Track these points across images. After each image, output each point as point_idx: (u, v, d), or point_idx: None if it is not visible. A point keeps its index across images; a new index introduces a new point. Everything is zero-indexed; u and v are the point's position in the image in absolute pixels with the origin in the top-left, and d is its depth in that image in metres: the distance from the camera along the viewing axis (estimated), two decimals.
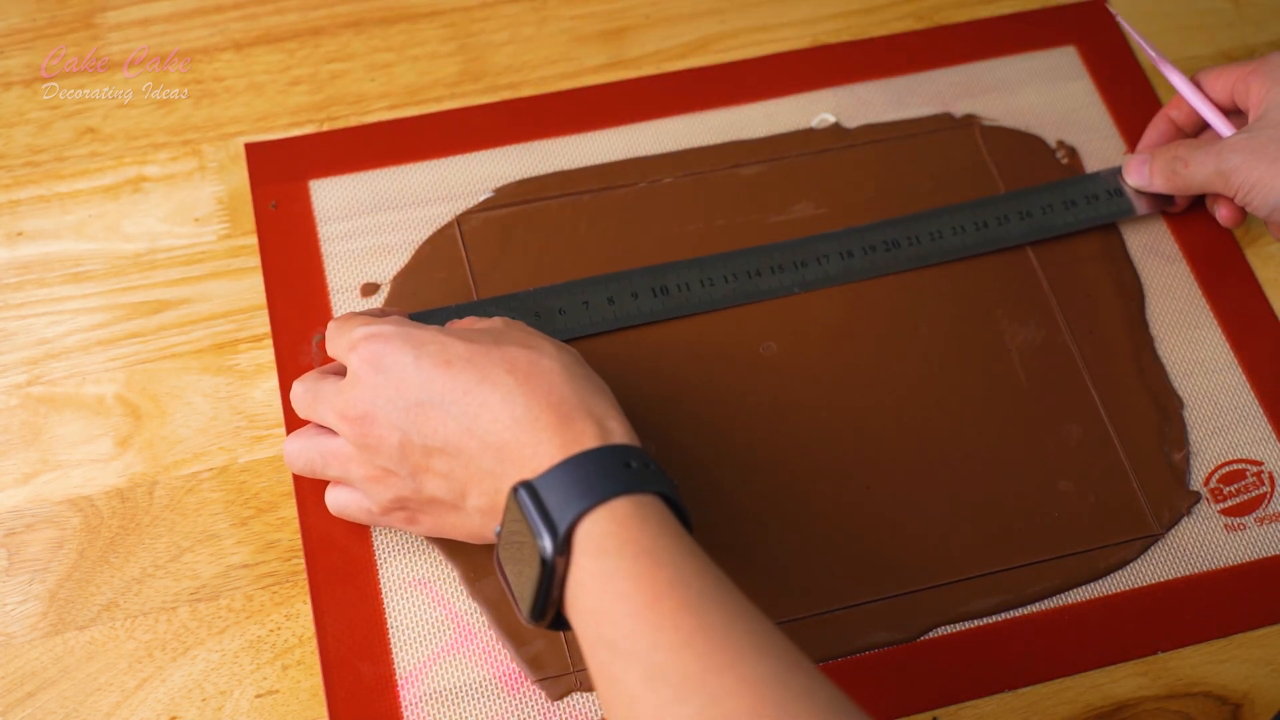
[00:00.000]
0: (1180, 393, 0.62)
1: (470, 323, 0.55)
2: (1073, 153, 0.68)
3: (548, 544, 0.45)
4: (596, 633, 0.45)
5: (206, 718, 0.53)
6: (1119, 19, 0.67)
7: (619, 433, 0.48)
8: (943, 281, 0.64)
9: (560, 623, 0.47)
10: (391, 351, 0.50)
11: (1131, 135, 0.68)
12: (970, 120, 0.68)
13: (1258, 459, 0.60)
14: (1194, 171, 0.61)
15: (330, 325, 0.54)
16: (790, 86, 0.69)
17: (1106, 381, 0.62)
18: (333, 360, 0.56)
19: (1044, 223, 0.64)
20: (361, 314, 0.55)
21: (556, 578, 0.46)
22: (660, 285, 0.61)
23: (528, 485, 0.47)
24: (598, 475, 0.46)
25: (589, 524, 0.45)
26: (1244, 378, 0.62)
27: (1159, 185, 0.63)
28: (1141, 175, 0.64)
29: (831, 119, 0.68)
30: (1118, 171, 0.66)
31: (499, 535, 0.49)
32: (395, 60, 0.69)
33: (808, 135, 0.67)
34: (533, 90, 0.68)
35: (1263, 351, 0.63)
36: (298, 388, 0.54)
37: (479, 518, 0.50)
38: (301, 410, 0.54)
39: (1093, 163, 0.67)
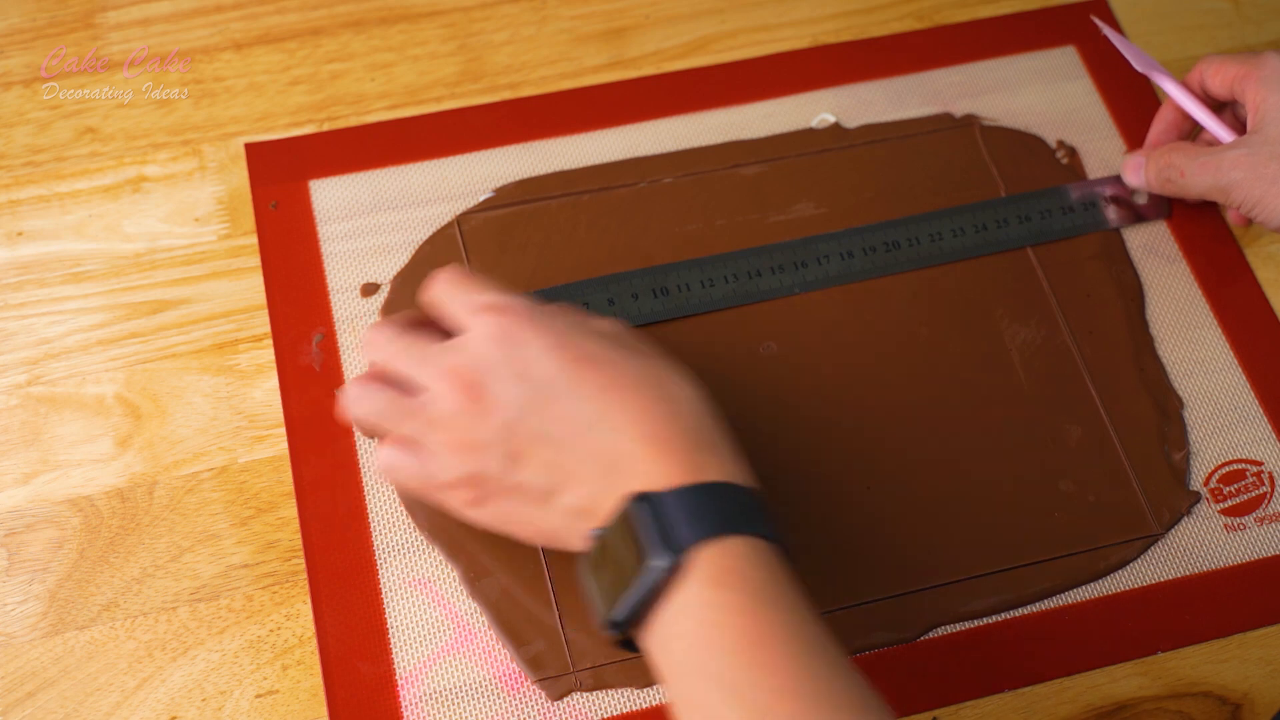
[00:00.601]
0: (1180, 393, 0.62)
1: (578, 314, 0.53)
2: (1073, 153, 0.68)
3: (662, 562, 0.44)
4: (697, 662, 0.44)
5: (206, 718, 0.53)
6: (1105, 29, 0.67)
7: (745, 476, 0.48)
8: (943, 281, 0.64)
9: (629, 642, 0.47)
10: (525, 330, 0.49)
11: (1131, 135, 0.68)
12: (970, 120, 0.68)
13: (1258, 459, 0.60)
14: (1190, 183, 0.61)
15: (443, 277, 0.52)
16: (790, 86, 0.69)
17: (1106, 381, 0.62)
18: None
19: (1042, 227, 0.64)
20: (473, 276, 0.52)
21: (661, 594, 0.45)
22: (660, 286, 0.61)
23: (648, 497, 0.46)
24: (722, 508, 0.46)
25: (709, 553, 0.45)
26: (1244, 378, 0.62)
27: (1155, 188, 0.64)
28: (1138, 177, 0.64)
29: (831, 119, 0.68)
30: (1119, 178, 0.66)
31: (594, 538, 0.47)
32: (395, 60, 0.69)
33: (808, 135, 0.67)
34: (533, 90, 0.68)
35: (1263, 351, 0.63)
36: (385, 332, 0.51)
37: (563, 517, 0.49)
38: (385, 353, 0.51)
39: (1092, 162, 0.67)
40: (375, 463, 0.52)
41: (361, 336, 0.52)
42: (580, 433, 0.48)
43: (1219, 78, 0.63)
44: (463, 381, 0.49)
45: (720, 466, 0.47)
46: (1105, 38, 0.71)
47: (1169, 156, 0.62)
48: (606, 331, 0.51)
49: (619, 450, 0.47)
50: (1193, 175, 0.61)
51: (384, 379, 0.50)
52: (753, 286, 0.62)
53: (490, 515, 0.50)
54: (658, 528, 0.45)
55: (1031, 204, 0.65)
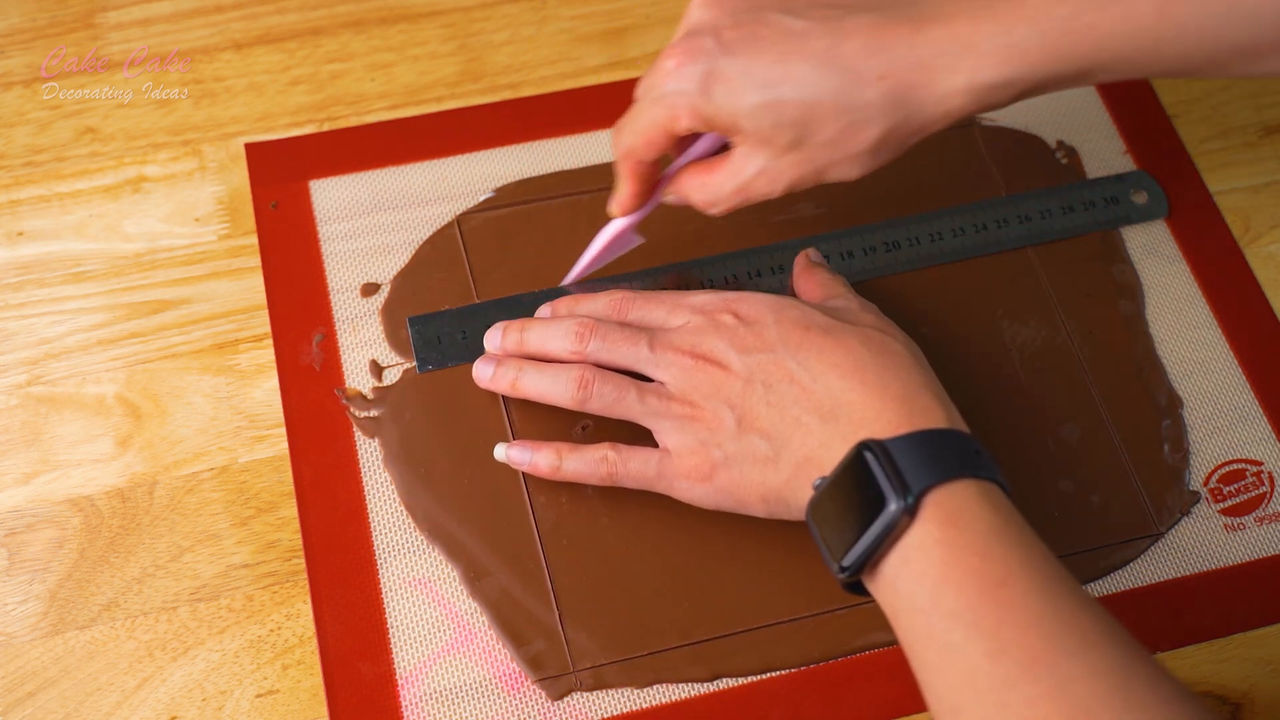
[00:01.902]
0: (1180, 393, 0.62)
1: (820, 282, 0.58)
2: (1072, 153, 0.68)
3: (896, 503, 0.46)
4: (934, 600, 0.46)
5: (207, 718, 0.53)
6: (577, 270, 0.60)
7: (962, 423, 0.51)
8: (943, 281, 0.64)
9: (858, 586, 0.49)
10: (755, 309, 0.54)
11: (1131, 135, 0.68)
12: (970, 120, 0.68)
13: (1257, 459, 0.60)
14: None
15: (639, 296, 0.57)
16: None
17: (1106, 381, 0.62)
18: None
19: (1042, 227, 0.64)
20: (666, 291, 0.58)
21: (893, 535, 0.47)
22: (660, 287, 0.61)
23: (878, 444, 0.48)
24: (950, 453, 0.48)
25: (941, 495, 0.47)
26: (1244, 378, 0.62)
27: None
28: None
29: None
30: (1118, 177, 0.66)
31: (819, 487, 0.50)
32: (395, 60, 0.69)
33: None
34: (533, 90, 0.68)
35: (1263, 351, 0.63)
36: (599, 324, 0.55)
37: (788, 470, 0.51)
38: (600, 341, 0.55)
39: (1092, 163, 0.67)
40: (595, 470, 0.54)
41: (564, 328, 0.55)
42: (805, 387, 0.51)
43: (649, 144, 0.53)
44: (698, 356, 0.53)
45: (941, 412, 0.50)
46: None
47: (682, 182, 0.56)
48: (836, 308, 0.55)
49: (842, 400, 0.51)
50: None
51: (555, 366, 0.55)
52: (752, 287, 0.62)
53: (717, 489, 0.53)
54: (889, 472, 0.47)
55: (1031, 204, 0.65)
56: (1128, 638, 0.45)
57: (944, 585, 0.46)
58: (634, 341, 0.55)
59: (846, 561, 0.48)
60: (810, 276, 0.59)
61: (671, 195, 0.56)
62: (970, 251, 0.64)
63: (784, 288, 0.62)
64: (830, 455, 0.50)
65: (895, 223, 0.64)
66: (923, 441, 0.48)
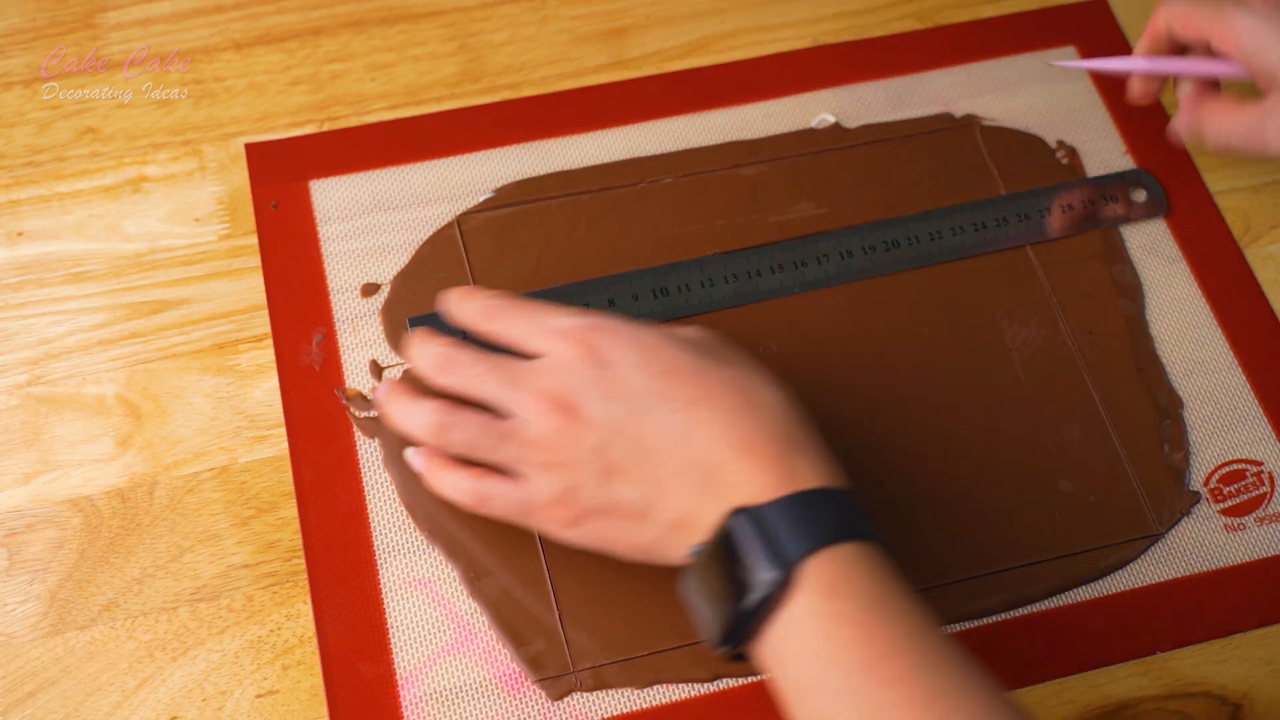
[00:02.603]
0: (1180, 393, 0.62)
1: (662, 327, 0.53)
2: (1073, 153, 0.68)
3: (771, 575, 0.44)
4: (815, 675, 0.44)
5: (207, 718, 0.53)
6: (1066, 64, 0.66)
7: (837, 477, 0.48)
8: (943, 281, 0.64)
9: (739, 654, 0.47)
10: (616, 345, 0.50)
11: (1131, 135, 0.68)
12: (970, 120, 0.68)
13: (1258, 459, 0.60)
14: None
15: (505, 305, 0.52)
16: (790, 86, 0.69)
17: (1106, 381, 0.62)
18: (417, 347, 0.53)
19: (1042, 225, 0.64)
20: (536, 301, 0.53)
21: (770, 609, 0.45)
22: (660, 287, 0.61)
23: (749, 512, 0.46)
24: (825, 515, 0.46)
25: (817, 563, 0.45)
26: (1244, 378, 0.62)
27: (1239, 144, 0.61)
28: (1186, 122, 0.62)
29: (831, 119, 0.68)
30: (1118, 177, 0.66)
31: (694, 555, 0.47)
32: (395, 60, 0.69)
33: (808, 135, 0.67)
34: (533, 90, 0.68)
35: (1263, 351, 0.63)
36: (462, 356, 0.51)
37: (658, 531, 0.49)
38: (462, 378, 0.51)
39: (1093, 162, 0.67)
40: (462, 494, 0.52)
41: (430, 358, 0.52)
42: (672, 446, 0.48)
43: (1190, 27, 0.60)
44: (555, 402, 0.49)
45: (815, 471, 0.47)
46: (1107, 35, 0.71)
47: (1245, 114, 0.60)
48: (693, 339, 0.52)
49: (712, 461, 0.48)
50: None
51: (439, 399, 0.51)
52: (752, 286, 0.62)
53: (587, 534, 0.50)
54: (763, 541, 0.45)
55: (1031, 202, 0.65)
56: (1010, 703, 0.44)
57: (825, 662, 0.44)
58: (491, 378, 0.51)
59: (723, 638, 0.46)
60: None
61: (1184, 122, 0.60)
62: (970, 250, 0.64)
63: (783, 288, 0.62)
64: (703, 519, 0.47)
65: (894, 221, 0.64)
66: (798, 505, 0.46)
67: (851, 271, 0.63)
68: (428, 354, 0.52)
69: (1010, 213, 0.65)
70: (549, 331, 0.51)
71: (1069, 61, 0.66)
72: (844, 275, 0.62)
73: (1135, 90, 0.65)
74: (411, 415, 0.52)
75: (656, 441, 0.48)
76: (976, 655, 0.45)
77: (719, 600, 0.46)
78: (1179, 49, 0.62)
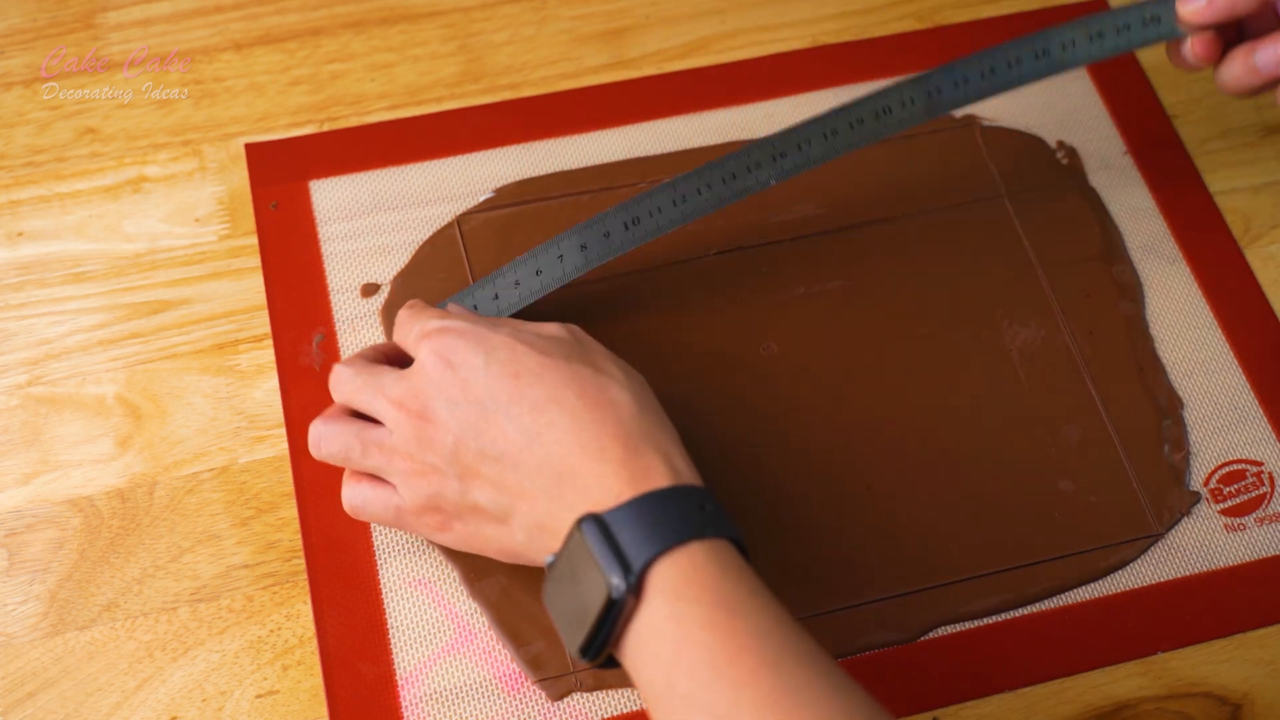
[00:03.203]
0: (1180, 393, 0.62)
1: (530, 325, 0.53)
2: (1073, 153, 0.68)
3: (619, 582, 0.44)
4: (668, 681, 0.43)
5: (207, 718, 0.53)
6: None
7: (687, 473, 0.48)
8: (943, 281, 0.63)
9: (610, 661, 0.47)
10: (463, 348, 0.50)
11: (1131, 135, 0.68)
12: (970, 120, 0.68)
13: (1258, 459, 0.60)
14: None
15: (402, 311, 0.54)
16: (790, 86, 0.69)
17: (1106, 381, 0.62)
18: (375, 350, 0.55)
19: (1062, 59, 0.60)
20: (429, 306, 0.54)
21: (622, 617, 0.45)
22: (632, 218, 0.58)
23: (597, 518, 0.46)
24: (673, 516, 0.45)
25: (664, 566, 0.44)
26: (1244, 378, 0.62)
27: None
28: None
29: None
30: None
31: (551, 565, 0.47)
32: (395, 60, 0.69)
33: None
34: (533, 90, 0.68)
35: (1263, 351, 0.63)
36: (344, 371, 0.52)
37: (522, 534, 0.49)
38: (344, 393, 0.52)
39: (1093, 162, 0.67)
40: (343, 502, 0.53)
41: (329, 379, 0.54)
42: (522, 450, 0.48)
43: None
44: (413, 409, 0.50)
45: (664, 469, 0.47)
46: None
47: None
48: (549, 336, 0.51)
49: (562, 465, 0.47)
50: None
51: (347, 415, 0.52)
52: (728, 190, 0.58)
53: (458, 538, 0.51)
54: (610, 548, 0.45)
55: (1051, 38, 0.59)
56: (867, 700, 0.43)
57: (677, 667, 0.43)
58: (363, 390, 0.52)
59: (581, 649, 0.46)
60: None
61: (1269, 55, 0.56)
62: (973, 97, 0.59)
63: (760, 183, 0.58)
64: (559, 525, 0.47)
65: (888, 90, 0.59)
66: (643, 508, 0.45)
67: (836, 149, 0.58)
68: (331, 372, 0.54)
69: (1025, 52, 0.59)
70: (417, 336, 0.52)
71: None
72: (826, 154, 0.58)
73: (1197, 50, 0.58)
74: (310, 429, 0.53)
75: (506, 445, 0.48)
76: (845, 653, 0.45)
77: (578, 612, 0.46)
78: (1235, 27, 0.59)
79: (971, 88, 0.59)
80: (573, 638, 0.46)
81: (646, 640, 0.44)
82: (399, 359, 0.54)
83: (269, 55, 0.68)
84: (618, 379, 0.50)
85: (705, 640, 0.43)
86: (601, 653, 0.46)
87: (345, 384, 0.52)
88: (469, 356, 0.50)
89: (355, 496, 0.53)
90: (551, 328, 0.53)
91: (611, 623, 0.45)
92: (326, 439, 0.52)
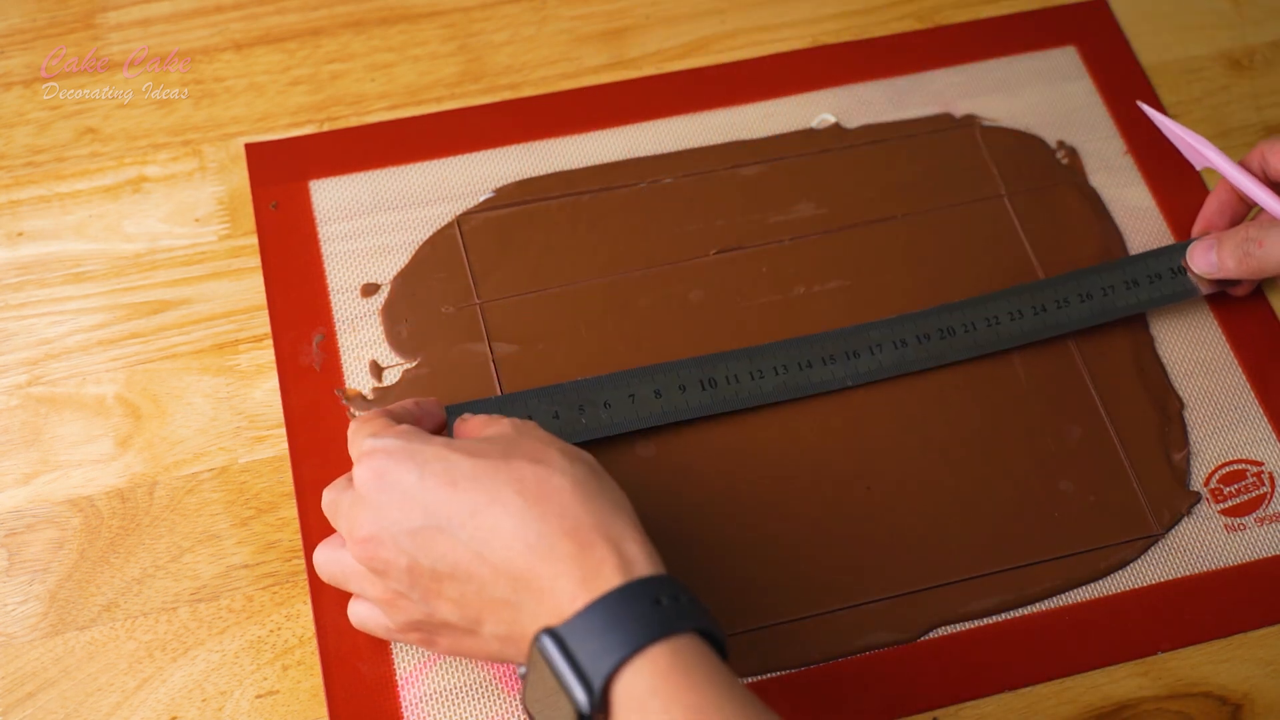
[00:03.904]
0: (1180, 393, 0.62)
1: (481, 423, 0.52)
2: (1073, 153, 0.68)
3: (582, 699, 0.43)
4: None
5: (207, 718, 0.53)
6: (1152, 114, 0.63)
7: (641, 560, 0.46)
8: (943, 281, 0.63)
9: None
10: (394, 468, 0.48)
11: (1131, 135, 0.68)
12: (970, 120, 0.68)
13: (1258, 459, 0.60)
14: (1269, 252, 0.59)
15: (351, 425, 0.52)
16: (790, 86, 0.69)
17: (1106, 381, 0.62)
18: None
19: (1105, 305, 0.62)
20: (380, 416, 0.52)
21: None
22: (709, 378, 0.59)
23: (552, 633, 0.44)
24: (629, 619, 0.43)
25: (628, 677, 0.43)
26: (1244, 378, 0.62)
27: (1230, 269, 0.60)
28: (1209, 261, 0.61)
29: (831, 119, 0.68)
30: (1180, 249, 0.63)
31: (523, 677, 0.46)
32: (395, 60, 0.69)
33: (808, 135, 0.67)
34: (533, 90, 0.68)
35: (1263, 351, 0.63)
36: (326, 495, 0.51)
37: (496, 644, 0.48)
38: (330, 519, 0.51)
39: (1093, 162, 0.67)
40: (350, 619, 0.53)
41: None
42: (471, 560, 0.46)
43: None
44: (360, 539, 0.48)
45: (615, 562, 0.45)
46: (1107, 35, 0.71)
47: (1244, 231, 0.60)
48: (486, 437, 0.50)
49: (515, 570, 0.46)
50: (1272, 244, 0.58)
51: (340, 539, 0.52)
52: (804, 379, 0.60)
53: (445, 649, 0.50)
54: (569, 664, 0.43)
55: (1092, 281, 0.62)
56: None
57: None
58: (335, 516, 0.51)
59: None
60: (467, 424, 0.53)
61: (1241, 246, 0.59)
62: (1029, 336, 0.61)
63: (837, 380, 0.60)
64: (524, 633, 0.46)
65: (950, 308, 0.61)
66: (599, 613, 0.44)
67: (906, 362, 0.60)
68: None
69: (1071, 293, 0.62)
70: (357, 456, 0.50)
71: (1159, 115, 0.63)
72: (898, 366, 0.60)
73: (1200, 223, 0.64)
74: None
75: (455, 558, 0.46)
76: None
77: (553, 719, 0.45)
78: (1268, 185, 0.61)
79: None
80: None
81: None
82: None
83: (269, 55, 0.68)
84: (559, 466, 0.47)
85: None
86: None
87: (326, 509, 0.51)
88: (402, 475, 0.48)
89: (355, 615, 0.52)
90: (495, 424, 0.51)
91: None
92: (320, 566, 0.52)
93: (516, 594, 0.46)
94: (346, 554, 0.50)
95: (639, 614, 0.44)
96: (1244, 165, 0.62)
